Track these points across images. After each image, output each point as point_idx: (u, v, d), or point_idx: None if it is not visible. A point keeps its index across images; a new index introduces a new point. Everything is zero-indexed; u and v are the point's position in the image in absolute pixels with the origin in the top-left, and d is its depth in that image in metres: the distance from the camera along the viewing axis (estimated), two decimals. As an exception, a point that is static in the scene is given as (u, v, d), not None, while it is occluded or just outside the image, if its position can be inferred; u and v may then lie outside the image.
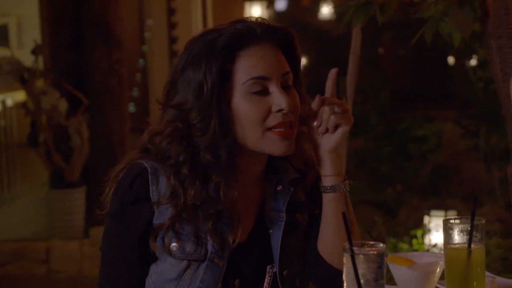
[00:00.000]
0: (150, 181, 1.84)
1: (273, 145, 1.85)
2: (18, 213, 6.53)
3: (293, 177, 1.95)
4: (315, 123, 1.88)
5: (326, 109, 1.87)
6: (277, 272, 1.91)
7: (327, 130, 1.88)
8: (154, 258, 1.87)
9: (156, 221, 1.84)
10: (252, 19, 1.88)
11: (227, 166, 1.83)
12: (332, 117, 1.86)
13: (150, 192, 1.84)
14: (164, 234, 1.83)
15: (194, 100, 1.83)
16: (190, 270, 1.85)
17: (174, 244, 1.83)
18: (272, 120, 1.84)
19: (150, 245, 1.85)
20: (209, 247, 1.84)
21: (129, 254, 1.86)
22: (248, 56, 1.84)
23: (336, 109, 1.86)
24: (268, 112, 1.84)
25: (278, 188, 1.94)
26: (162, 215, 1.84)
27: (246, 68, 1.83)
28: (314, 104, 1.88)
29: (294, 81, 1.90)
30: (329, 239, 1.92)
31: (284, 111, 1.83)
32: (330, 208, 1.90)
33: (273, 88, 1.84)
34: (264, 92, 1.84)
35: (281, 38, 1.89)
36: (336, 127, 1.87)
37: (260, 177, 1.95)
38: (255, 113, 1.83)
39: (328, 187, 1.90)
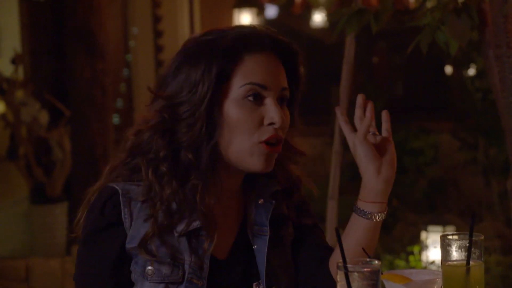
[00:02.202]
0: (122, 203, 1.82)
1: (256, 160, 1.83)
2: (-4, 229, 6.37)
3: (274, 190, 1.93)
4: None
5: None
6: None
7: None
8: (130, 284, 1.84)
9: (128, 245, 1.82)
10: (261, 27, 1.89)
11: (207, 169, 1.83)
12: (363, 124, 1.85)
13: (122, 215, 1.82)
14: (138, 257, 1.81)
15: (187, 94, 1.82)
16: None
17: (149, 267, 1.81)
18: (264, 133, 1.83)
19: (125, 270, 1.82)
20: (186, 268, 1.81)
21: (104, 282, 1.83)
22: (251, 61, 1.84)
23: (371, 132, 1.86)
24: (259, 123, 1.83)
25: (259, 202, 1.92)
26: (135, 239, 1.81)
27: (247, 72, 1.83)
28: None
29: (290, 100, 1.89)
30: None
31: (275, 126, 1.82)
32: (360, 234, 1.84)
33: (269, 100, 1.83)
34: (259, 100, 1.83)
35: (286, 53, 1.89)
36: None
37: (238, 191, 1.94)
38: (246, 120, 1.82)
39: (367, 213, 1.83)
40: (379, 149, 1.84)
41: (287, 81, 1.88)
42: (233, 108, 1.82)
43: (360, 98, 1.87)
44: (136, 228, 1.82)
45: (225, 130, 1.83)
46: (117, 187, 1.83)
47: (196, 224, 1.82)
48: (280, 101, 1.86)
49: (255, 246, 1.91)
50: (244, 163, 1.84)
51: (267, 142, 1.83)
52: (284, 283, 1.92)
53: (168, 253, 1.81)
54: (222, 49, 1.81)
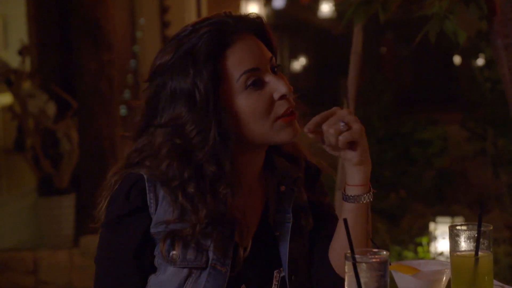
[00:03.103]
0: (147, 188, 1.82)
1: (282, 133, 1.84)
2: (4, 222, 6.41)
3: (295, 177, 1.94)
4: (325, 146, 1.82)
5: (331, 132, 1.79)
6: (286, 277, 1.90)
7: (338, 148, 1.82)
8: (153, 269, 1.85)
9: (153, 229, 1.82)
10: (219, 14, 1.87)
11: (233, 174, 1.82)
12: (341, 138, 1.79)
13: (148, 200, 1.82)
14: (163, 242, 1.81)
15: (187, 112, 1.80)
16: (192, 278, 1.82)
17: (173, 252, 1.81)
18: (279, 109, 1.84)
19: (148, 255, 1.83)
20: (210, 254, 1.82)
21: (127, 266, 1.83)
22: (234, 53, 1.83)
23: (342, 127, 1.79)
24: (272, 102, 1.84)
25: (281, 189, 1.93)
26: (160, 223, 1.82)
27: (236, 64, 1.83)
28: (310, 127, 1.80)
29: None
30: (342, 249, 1.84)
31: (286, 96, 1.84)
32: (349, 218, 1.81)
33: (268, 77, 1.85)
34: (259, 83, 1.84)
35: (254, 25, 1.89)
36: (350, 143, 1.81)
37: (260, 177, 1.94)
38: (260, 107, 1.82)
39: (351, 197, 1.86)
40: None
41: (268, 50, 1.89)
42: (242, 103, 1.82)
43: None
44: (161, 213, 1.82)
45: (243, 125, 1.83)
46: (142, 172, 1.82)
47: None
48: (273, 70, 1.87)
49: (278, 234, 1.91)
50: (272, 140, 1.86)
51: (284, 115, 1.84)
52: (303, 272, 1.93)
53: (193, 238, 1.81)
54: (203, 57, 1.80)
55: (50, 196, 6.03)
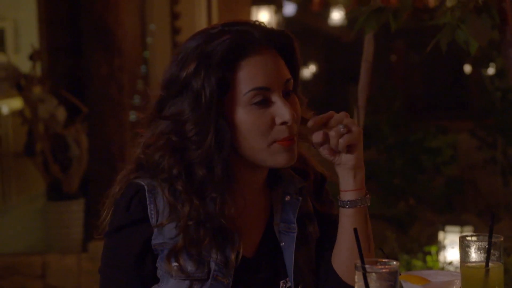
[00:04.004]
0: (147, 199, 1.82)
1: (278, 157, 1.83)
2: (13, 226, 6.45)
3: (300, 186, 1.93)
4: (322, 149, 1.84)
5: (332, 134, 1.81)
6: (292, 287, 1.89)
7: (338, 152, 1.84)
8: (155, 280, 1.85)
9: (155, 241, 1.82)
10: (250, 22, 1.86)
11: (223, 180, 1.81)
12: (341, 140, 1.81)
13: (148, 211, 1.82)
14: (164, 254, 1.81)
15: (190, 111, 1.80)
16: None
17: (175, 264, 1.80)
18: (278, 134, 1.82)
19: (149, 266, 1.83)
20: (212, 265, 1.81)
21: (129, 276, 1.84)
22: (248, 65, 1.81)
23: (341, 129, 1.81)
24: (272, 124, 1.82)
25: (286, 199, 1.92)
26: (161, 235, 1.82)
27: (247, 78, 1.80)
28: (313, 124, 1.82)
29: (293, 85, 1.88)
30: (345, 256, 1.88)
31: (288, 124, 1.81)
32: (348, 224, 1.85)
33: (276, 99, 1.82)
34: (265, 102, 1.82)
35: (280, 42, 1.86)
36: (349, 146, 1.82)
37: (264, 187, 1.93)
38: (259, 126, 1.81)
39: (348, 202, 1.86)
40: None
41: (288, 70, 1.86)
42: (242, 117, 1.81)
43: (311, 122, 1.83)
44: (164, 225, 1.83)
45: (241, 138, 1.81)
46: (143, 183, 1.82)
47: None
48: (286, 93, 1.85)
49: (283, 243, 1.90)
50: (267, 161, 1.84)
51: (282, 141, 1.82)
52: (310, 281, 1.92)
53: (194, 249, 1.81)
54: (218, 61, 1.78)
55: (59, 200, 6.02)
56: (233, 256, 1.82)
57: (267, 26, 1.87)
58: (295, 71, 1.88)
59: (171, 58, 1.87)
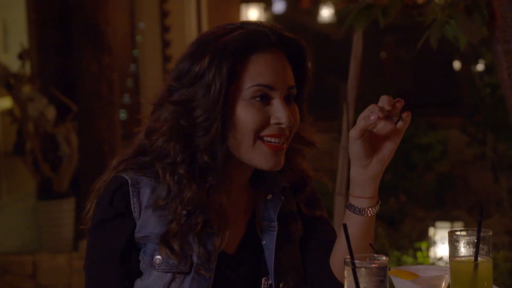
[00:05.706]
0: (131, 193, 1.83)
1: (263, 159, 1.84)
2: (3, 225, 6.41)
3: (283, 186, 1.93)
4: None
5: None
6: (273, 284, 1.90)
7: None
8: (138, 273, 1.85)
9: (137, 234, 1.83)
10: (267, 24, 1.89)
11: (222, 169, 1.84)
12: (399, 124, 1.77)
13: (131, 205, 1.83)
14: (147, 247, 1.83)
15: (201, 98, 1.82)
16: (175, 283, 1.83)
17: (157, 256, 1.82)
18: (268, 130, 1.84)
19: (133, 259, 1.84)
20: (195, 259, 1.83)
21: (112, 270, 1.84)
22: (258, 61, 1.84)
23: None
24: (266, 123, 1.84)
25: (268, 197, 1.93)
26: (144, 228, 1.83)
27: (253, 73, 1.83)
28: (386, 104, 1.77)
29: (297, 96, 1.90)
30: (343, 256, 1.77)
31: (282, 126, 1.83)
32: (355, 230, 1.82)
33: (276, 99, 1.84)
34: (266, 100, 1.84)
35: (293, 49, 1.89)
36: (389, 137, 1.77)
37: (248, 186, 1.95)
38: (252, 121, 1.83)
39: (357, 209, 1.83)
40: (377, 143, 1.79)
41: (293, 78, 1.89)
42: (242, 108, 1.83)
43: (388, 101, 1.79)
44: (145, 218, 1.83)
45: (235, 130, 1.83)
46: (127, 177, 1.84)
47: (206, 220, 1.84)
48: (287, 98, 1.87)
49: (264, 242, 1.92)
50: (254, 161, 1.85)
51: (268, 140, 1.84)
52: (292, 279, 1.93)
53: (178, 243, 1.82)
54: (230, 51, 1.81)
55: (50, 199, 6.03)
56: (217, 246, 1.84)
57: (283, 30, 1.90)
58: (302, 81, 1.91)
59: (186, 49, 1.89)
